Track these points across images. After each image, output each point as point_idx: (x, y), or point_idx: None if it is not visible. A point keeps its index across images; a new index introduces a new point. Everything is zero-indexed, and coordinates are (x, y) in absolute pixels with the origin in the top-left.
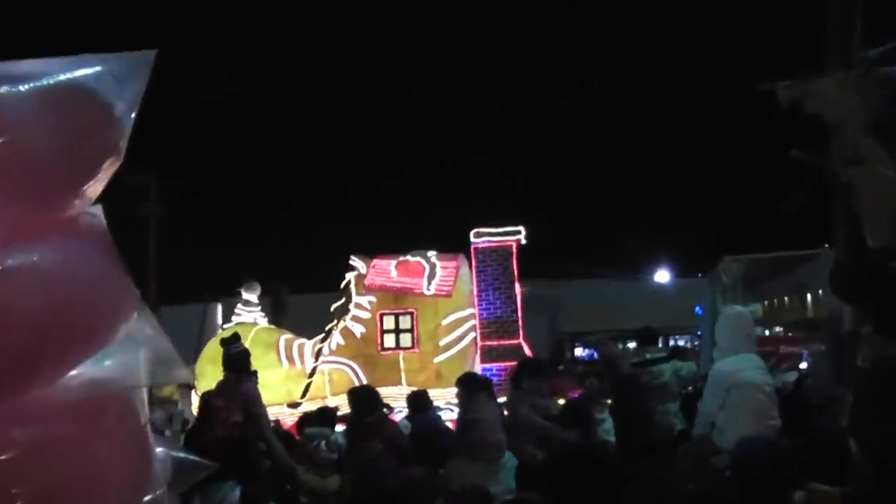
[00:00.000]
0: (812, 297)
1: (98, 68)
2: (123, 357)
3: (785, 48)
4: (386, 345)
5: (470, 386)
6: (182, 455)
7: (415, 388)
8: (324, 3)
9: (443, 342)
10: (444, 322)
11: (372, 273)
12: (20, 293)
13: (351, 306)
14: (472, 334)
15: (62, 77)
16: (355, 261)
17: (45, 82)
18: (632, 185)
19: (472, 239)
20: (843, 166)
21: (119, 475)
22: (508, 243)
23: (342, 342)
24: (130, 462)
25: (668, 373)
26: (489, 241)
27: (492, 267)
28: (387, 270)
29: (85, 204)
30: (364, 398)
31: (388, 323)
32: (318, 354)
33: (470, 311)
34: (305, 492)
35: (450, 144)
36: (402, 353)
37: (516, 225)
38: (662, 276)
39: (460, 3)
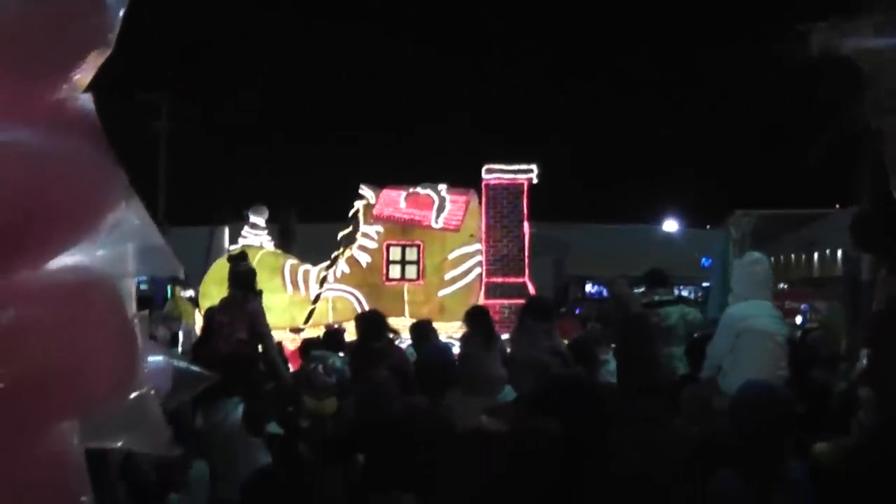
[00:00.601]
0: (819, 256)
1: None
2: (110, 245)
3: None
4: (391, 275)
5: (475, 319)
6: (183, 365)
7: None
8: None
9: (448, 276)
10: (451, 256)
11: (381, 203)
12: (8, 162)
13: (358, 235)
14: (478, 270)
15: None
16: (365, 190)
17: None
18: (645, 133)
19: (484, 175)
20: (875, 113)
21: (104, 366)
22: (520, 181)
23: (347, 271)
24: (116, 354)
25: (676, 316)
26: (501, 178)
27: (502, 204)
28: (396, 201)
29: (73, 90)
30: (371, 323)
31: (395, 254)
32: (322, 281)
33: (477, 246)
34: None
35: (466, 80)
36: (406, 285)
37: (529, 163)
38: (671, 225)
39: None
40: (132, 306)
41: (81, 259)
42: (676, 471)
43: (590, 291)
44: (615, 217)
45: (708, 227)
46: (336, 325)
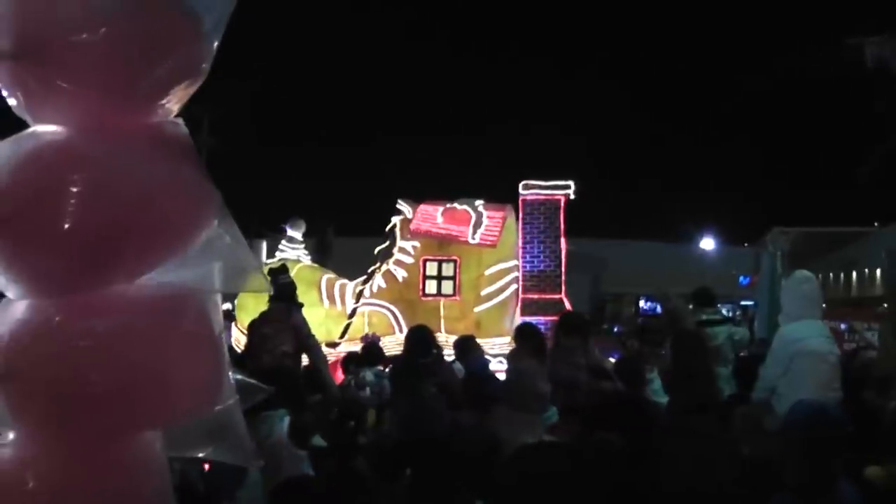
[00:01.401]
0: (857, 275)
1: None
2: (200, 262)
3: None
4: (427, 291)
5: (525, 335)
6: (239, 377)
7: (456, 336)
8: None
9: (484, 292)
10: (487, 272)
11: (418, 218)
12: (106, 181)
13: (395, 250)
14: (514, 286)
15: None
16: (402, 205)
17: None
18: (683, 151)
19: (521, 191)
20: None
21: (191, 379)
22: (557, 197)
23: (384, 285)
24: (203, 367)
25: (723, 336)
26: (538, 194)
27: (539, 220)
28: (433, 216)
29: (167, 114)
30: (419, 338)
31: (431, 269)
32: (359, 296)
33: (514, 262)
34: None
35: (506, 96)
36: (442, 301)
37: (566, 179)
38: (708, 243)
39: None
40: (219, 321)
41: (173, 274)
42: (728, 487)
43: (644, 307)
44: (652, 235)
45: (745, 244)
46: (371, 336)
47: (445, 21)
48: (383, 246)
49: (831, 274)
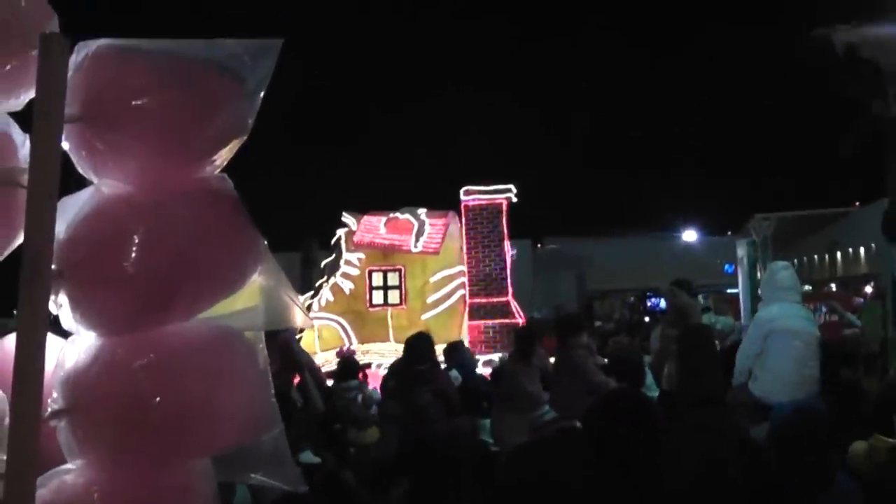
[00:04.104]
0: (842, 255)
1: (232, 51)
2: (247, 303)
3: None
4: (374, 301)
5: (515, 339)
6: None
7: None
8: None
9: (430, 299)
10: (432, 279)
11: (361, 230)
12: (165, 230)
13: (341, 263)
14: (461, 291)
15: (200, 54)
16: (346, 217)
17: (186, 55)
18: (660, 142)
19: (462, 196)
20: None
21: (240, 410)
22: (498, 201)
23: (332, 298)
24: (250, 399)
25: None
26: (479, 199)
27: (482, 224)
28: (376, 227)
29: (214, 170)
30: (416, 346)
31: (377, 280)
32: (308, 310)
33: (459, 268)
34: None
35: (483, 89)
36: (390, 310)
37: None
38: (690, 234)
39: None
40: (264, 356)
41: (221, 314)
42: (735, 479)
43: (651, 304)
44: (635, 230)
45: (729, 233)
46: (346, 349)
47: (382, 24)
48: (329, 259)
49: (816, 256)
